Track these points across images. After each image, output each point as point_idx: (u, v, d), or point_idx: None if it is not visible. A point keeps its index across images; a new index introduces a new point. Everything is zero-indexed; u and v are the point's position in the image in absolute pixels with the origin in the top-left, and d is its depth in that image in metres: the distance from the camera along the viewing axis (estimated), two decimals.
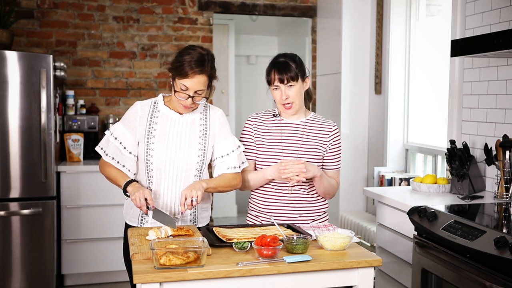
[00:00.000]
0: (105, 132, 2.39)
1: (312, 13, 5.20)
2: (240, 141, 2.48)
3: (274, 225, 2.24)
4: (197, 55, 2.23)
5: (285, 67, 2.38)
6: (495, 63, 3.04)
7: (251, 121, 2.52)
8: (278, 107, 2.49)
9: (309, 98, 2.57)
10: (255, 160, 2.49)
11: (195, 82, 2.21)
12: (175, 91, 2.26)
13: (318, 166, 2.44)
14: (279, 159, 2.41)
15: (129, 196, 2.26)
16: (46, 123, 3.81)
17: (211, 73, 2.27)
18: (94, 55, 4.74)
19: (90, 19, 4.72)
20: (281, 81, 2.37)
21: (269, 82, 2.42)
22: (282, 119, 2.49)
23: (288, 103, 2.40)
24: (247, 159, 2.46)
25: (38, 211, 3.84)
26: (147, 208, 2.18)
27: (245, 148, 2.47)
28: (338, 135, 2.52)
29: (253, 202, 2.55)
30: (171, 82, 2.28)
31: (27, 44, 4.57)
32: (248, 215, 2.59)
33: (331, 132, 2.49)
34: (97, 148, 2.37)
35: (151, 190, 2.31)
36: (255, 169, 2.49)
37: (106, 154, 2.33)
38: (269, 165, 2.43)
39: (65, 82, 4.62)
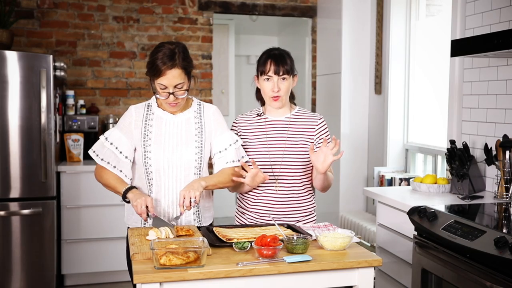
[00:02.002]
0: (100, 137, 2.38)
1: (312, 13, 5.20)
2: None
3: (274, 225, 2.24)
4: (167, 51, 2.22)
5: (281, 59, 2.37)
6: (495, 63, 3.04)
7: (236, 124, 2.52)
8: (265, 99, 2.45)
9: (291, 98, 2.55)
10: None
11: (170, 77, 2.21)
12: (156, 92, 2.27)
13: (307, 161, 2.42)
14: (265, 156, 2.41)
15: (128, 202, 2.26)
16: (46, 123, 3.81)
17: (184, 64, 2.24)
18: (94, 55, 4.74)
19: (90, 19, 4.72)
20: (276, 72, 2.36)
21: (262, 72, 2.39)
22: (267, 117, 2.48)
23: (277, 96, 2.38)
24: None
25: (38, 211, 3.84)
26: (147, 215, 2.17)
27: None
28: (325, 128, 2.48)
29: (240, 201, 2.55)
30: (151, 85, 2.29)
31: (27, 44, 4.57)
32: (235, 213, 2.59)
33: (317, 125, 2.46)
34: (90, 152, 2.37)
35: (151, 197, 2.28)
36: None
37: (102, 159, 2.33)
38: (257, 163, 2.41)
39: (65, 82, 4.62)
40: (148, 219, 2.19)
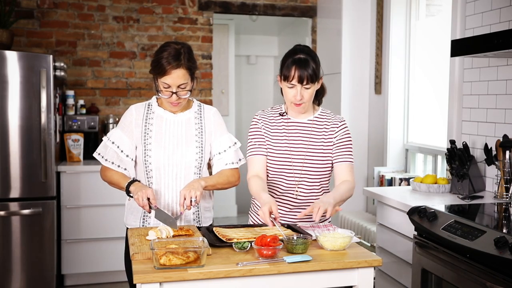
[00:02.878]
0: (103, 138, 2.40)
1: (312, 13, 5.20)
2: (249, 139, 2.41)
3: (274, 225, 2.24)
4: (173, 51, 2.23)
5: (306, 66, 2.22)
6: (495, 63, 3.04)
7: (259, 118, 2.41)
8: (287, 104, 2.36)
9: (322, 93, 2.44)
10: (266, 156, 2.37)
11: (174, 77, 2.22)
12: (159, 91, 2.27)
13: (327, 165, 2.35)
14: (287, 160, 2.34)
15: (131, 196, 2.27)
16: (46, 123, 3.81)
17: (189, 65, 2.25)
18: (94, 55, 4.74)
19: (90, 19, 4.72)
20: (300, 81, 2.22)
21: (286, 78, 2.25)
22: (289, 118, 2.39)
23: (300, 104, 2.29)
24: (257, 154, 2.36)
25: (38, 211, 3.84)
26: (150, 207, 2.18)
27: (255, 144, 2.37)
28: (346, 129, 2.39)
29: (256, 203, 2.49)
30: (155, 83, 2.30)
31: (27, 44, 4.57)
32: (250, 214, 2.55)
33: (337, 127, 2.37)
34: (95, 154, 2.38)
35: (152, 189, 2.29)
36: (266, 165, 2.39)
37: (106, 160, 2.34)
38: (277, 166, 2.35)
39: (65, 82, 4.62)
40: (151, 210, 2.20)
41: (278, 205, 2.35)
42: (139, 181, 2.31)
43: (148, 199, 2.18)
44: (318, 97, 2.44)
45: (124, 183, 2.28)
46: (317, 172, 2.36)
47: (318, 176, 2.37)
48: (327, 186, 2.44)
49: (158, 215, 2.20)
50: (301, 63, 2.23)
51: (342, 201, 2.25)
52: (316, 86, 2.31)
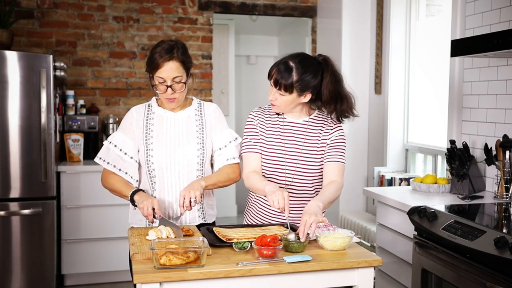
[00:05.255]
0: (104, 142, 2.39)
1: (312, 13, 5.20)
2: (244, 135, 2.40)
3: (274, 225, 2.24)
4: (166, 46, 2.26)
5: (286, 73, 2.21)
6: (495, 63, 3.04)
7: (255, 115, 2.40)
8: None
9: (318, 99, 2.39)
10: (261, 153, 2.37)
11: (168, 70, 2.23)
12: (154, 85, 2.29)
13: (320, 166, 2.36)
14: (280, 159, 2.34)
15: (136, 206, 2.26)
16: (46, 123, 3.81)
17: (183, 58, 2.27)
18: (94, 55, 4.74)
19: (90, 19, 4.72)
20: (275, 85, 2.25)
21: (268, 76, 2.29)
22: (285, 118, 2.38)
23: (274, 104, 2.30)
24: (253, 152, 2.35)
25: (38, 211, 3.84)
26: (154, 217, 2.18)
27: (251, 142, 2.37)
28: (340, 131, 2.39)
29: (250, 202, 2.51)
30: (151, 83, 2.31)
31: (27, 44, 4.57)
32: (245, 214, 2.55)
33: (332, 129, 2.38)
34: (97, 159, 2.37)
35: (157, 200, 2.26)
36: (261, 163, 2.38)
37: (108, 163, 2.33)
38: (269, 164, 2.35)
39: (65, 82, 4.62)
40: (155, 220, 2.19)
41: (270, 205, 2.26)
42: (143, 191, 2.30)
43: (153, 209, 2.17)
44: (331, 106, 2.36)
45: (128, 191, 2.27)
46: (309, 173, 2.35)
47: (311, 176, 2.36)
48: (320, 186, 2.42)
49: (162, 225, 2.19)
50: (283, 68, 2.23)
51: (330, 203, 2.23)
52: (297, 98, 2.27)
